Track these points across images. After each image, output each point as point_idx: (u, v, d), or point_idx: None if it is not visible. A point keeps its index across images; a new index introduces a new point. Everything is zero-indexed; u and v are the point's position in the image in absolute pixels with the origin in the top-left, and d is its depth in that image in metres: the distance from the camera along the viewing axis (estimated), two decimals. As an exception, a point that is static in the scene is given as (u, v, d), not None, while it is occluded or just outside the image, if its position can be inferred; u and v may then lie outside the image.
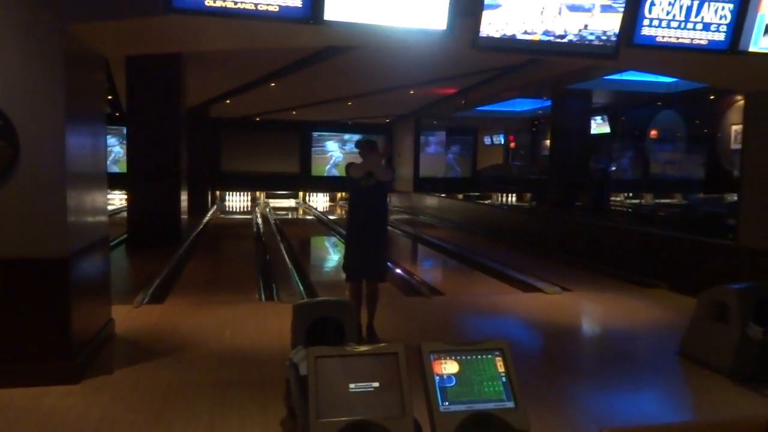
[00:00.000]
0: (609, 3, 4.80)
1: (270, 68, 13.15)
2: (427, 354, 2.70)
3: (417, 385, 2.67)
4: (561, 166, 15.14)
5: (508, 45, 4.83)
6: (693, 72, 6.92)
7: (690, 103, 18.03)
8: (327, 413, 2.57)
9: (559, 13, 4.75)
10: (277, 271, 9.39)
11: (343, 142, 25.96)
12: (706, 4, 4.98)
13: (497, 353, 2.78)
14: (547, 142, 20.64)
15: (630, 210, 18.16)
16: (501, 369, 2.74)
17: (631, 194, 22.91)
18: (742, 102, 8.99)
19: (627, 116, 21.50)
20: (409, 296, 7.85)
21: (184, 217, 12.65)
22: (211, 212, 19.43)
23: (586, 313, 7.54)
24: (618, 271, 9.15)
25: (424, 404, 2.64)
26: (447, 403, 2.61)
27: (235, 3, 4.18)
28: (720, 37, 5.09)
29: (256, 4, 4.21)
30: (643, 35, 4.96)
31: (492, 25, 4.68)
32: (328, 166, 25.92)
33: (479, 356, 2.75)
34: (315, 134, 25.77)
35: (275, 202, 25.05)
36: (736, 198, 8.56)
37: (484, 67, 12.70)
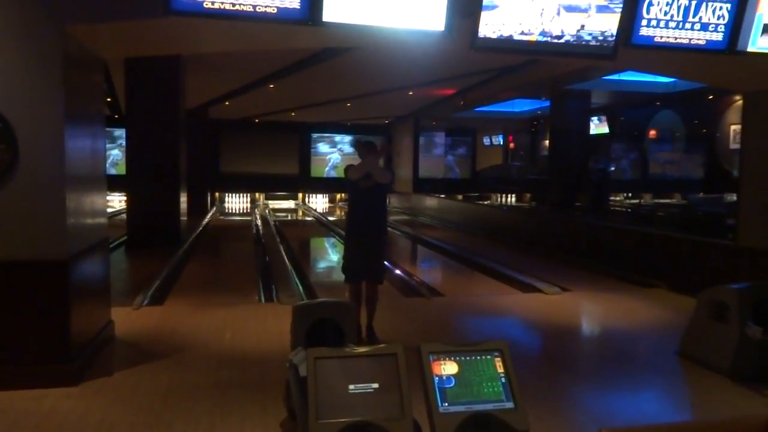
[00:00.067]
0: (605, 3, 4.80)
1: (269, 70, 13.16)
2: (426, 355, 2.70)
3: (416, 386, 2.68)
4: (560, 167, 15.15)
5: (506, 46, 4.84)
6: (691, 72, 6.92)
7: (689, 103, 18.05)
8: (326, 414, 2.58)
9: (558, 14, 4.76)
10: (276, 273, 9.38)
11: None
12: (704, 4, 4.98)
13: (496, 354, 2.78)
14: (546, 142, 20.67)
15: (629, 210, 18.17)
16: (500, 369, 2.74)
17: (630, 194, 22.93)
18: (740, 102, 8.99)
19: (626, 116, 21.52)
20: (409, 297, 7.85)
21: (184, 218, 12.64)
22: (210, 214, 19.43)
23: (585, 314, 7.55)
24: (617, 271, 9.16)
25: (424, 405, 2.64)
26: (446, 404, 2.62)
27: (234, 5, 4.18)
28: (718, 37, 5.10)
29: (254, 6, 4.21)
30: (642, 35, 4.97)
31: (490, 26, 4.69)
32: (328, 168, 25.93)
33: (478, 357, 2.75)
34: (314, 135, 25.78)
35: (274, 204, 25.04)
36: (735, 198, 8.57)
37: (482, 67, 12.71)
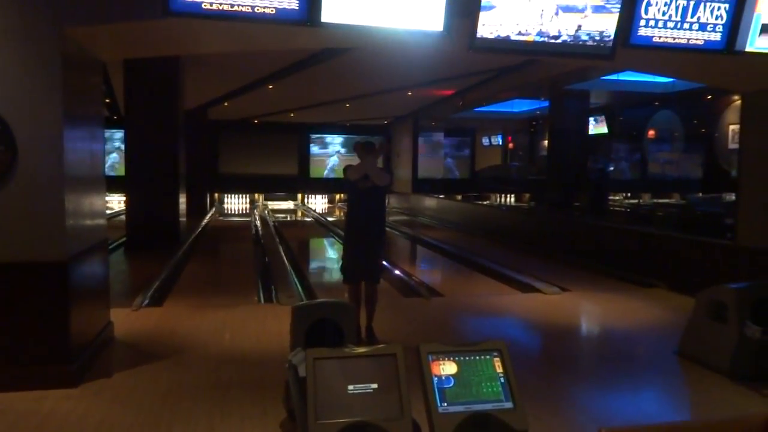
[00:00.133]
0: (602, 4, 4.81)
1: (268, 70, 13.17)
2: (425, 355, 2.70)
3: (416, 386, 2.68)
4: (559, 167, 15.16)
5: (504, 46, 4.84)
6: (690, 72, 6.93)
7: (687, 103, 18.06)
8: (326, 415, 2.58)
9: (556, 15, 4.76)
10: (276, 273, 9.39)
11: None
12: (702, 5, 4.99)
13: (495, 354, 2.78)
14: (545, 142, 20.68)
15: (628, 210, 18.20)
16: (499, 369, 2.75)
17: (629, 194, 22.95)
18: (739, 102, 9.00)
19: (625, 116, 21.53)
20: (408, 297, 7.85)
21: (183, 219, 12.64)
22: (209, 215, 19.43)
23: (584, 313, 7.55)
24: (617, 271, 9.16)
25: (423, 405, 2.64)
26: (445, 404, 2.62)
27: (232, 5, 4.19)
28: (716, 37, 5.10)
29: (252, 7, 4.21)
30: (640, 36, 4.97)
31: (488, 26, 4.69)
32: (326, 171, 25.94)
33: (477, 357, 2.75)
34: (313, 136, 25.81)
35: (274, 204, 25.04)
36: (733, 197, 8.58)
37: (481, 68, 12.72)
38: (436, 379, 2.66)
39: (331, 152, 26.02)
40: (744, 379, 4.66)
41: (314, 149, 26.02)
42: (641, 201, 21.82)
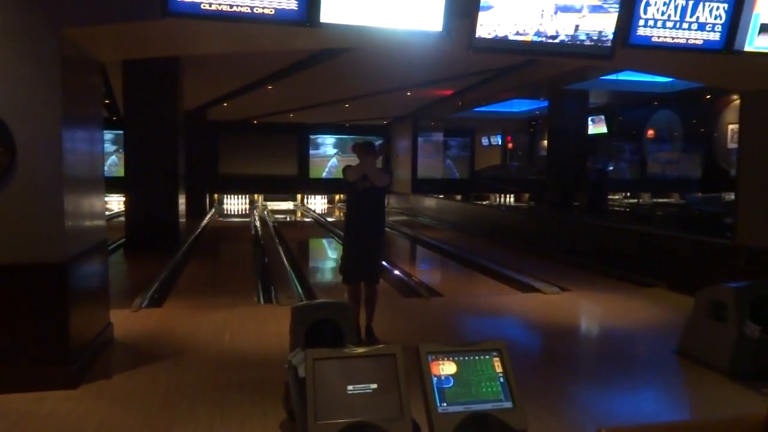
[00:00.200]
0: (599, 3, 4.81)
1: (267, 71, 13.16)
2: (424, 355, 2.70)
3: (415, 387, 2.68)
4: (558, 167, 15.17)
5: (503, 46, 4.84)
6: (689, 72, 6.93)
7: (687, 103, 18.09)
8: (325, 415, 2.58)
9: (554, 14, 4.77)
10: (275, 274, 9.39)
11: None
12: (701, 4, 4.99)
13: (495, 354, 2.78)
14: (545, 142, 20.69)
15: (628, 209, 18.21)
16: (499, 369, 2.75)
17: (628, 194, 22.98)
18: (738, 101, 9.00)
19: (624, 116, 21.55)
20: (408, 297, 7.85)
21: (182, 220, 12.64)
22: (209, 215, 19.42)
23: (584, 313, 7.55)
24: (616, 271, 9.16)
25: (423, 405, 2.64)
26: (445, 404, 2.62)
27: (231, 6, 4.19)
28: (715, 36, 5.11)
29: (251, 7, 4.21)
30: (639, 35, 4.97)
31: (486, 26, 4.70)
32: (325, 172, 25.95)
33: (477, 357, 2.76)
34: (311, 137, 25.83)
35: (273, 205, 25.04)
36: (733, 197, 8.58)
37: (481, 68, 12.72)
38: (435, 379, 2.67)
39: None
40: (743, 378, 4.65)
41: (312, 151, 26.04)
42: (641, 200, 21.84)
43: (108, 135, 20.80)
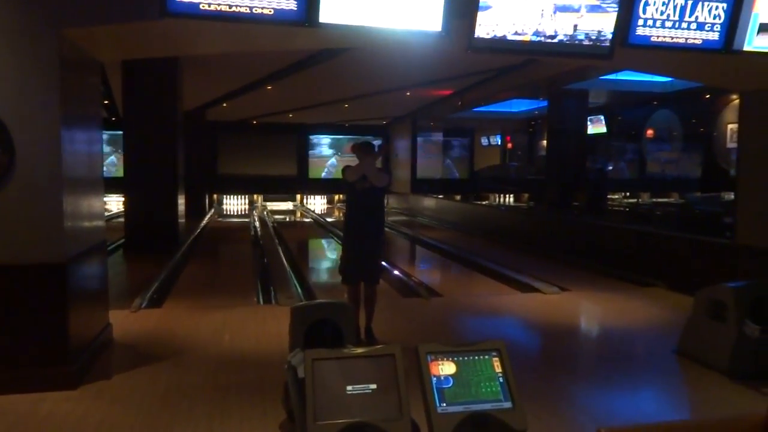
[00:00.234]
0: (597, 3, 4.81)
1: (266, 71, 13.16)
2: (424, 355, 2.70)
3: (414, 387, 2.68)
4: (558, 166, 15.17)
5: (501, 46, 4.85)
6: (688, 71, 6.93)
7: (686, 103, 18.09)
8: (325, 416, 2.58)
9: (552, 14, 4.77)
10: (275, 274, 9.38)
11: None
12: (700, 4, 5.00)
13: (494, 354, 2.78)
14: (544, 142, 20.70)
15: (627, 209, 18.21)
16: (498, 369, 2.75)
17: (628, 193, 22.98)
18: (737, 101, 9.01)
19: (623, 116, 21.56)
20: (408, 298, 7.85)
21: (182, 221, 12.63)
22: (208, 216, 19.41)
23: (584, 313, 7.55)
24: (616, 271, 9.16)
25: (422, 405, 2.64)
26: (444, 404, 2.62)
27: (230, 6, 4.19)
28: (714, 36, 5.11)
29: (250, 8, 4.21)
30: (638, 35, 4.98)
31: (484, 26, 4.70)
32: (324, 172, 25.94)
33: (476, 357, 2.75)
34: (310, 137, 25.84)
35: (273, 205, 25.03)
36: (732, 196, 8.58)
37: (480, 68, 12.72)
38: (434, 379, 2.66)
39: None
40: (743, 378, 4.66)
41: (311, 151, 26.05)
42: (640, 200, 21.85)
43: (103, 136, 20.80)
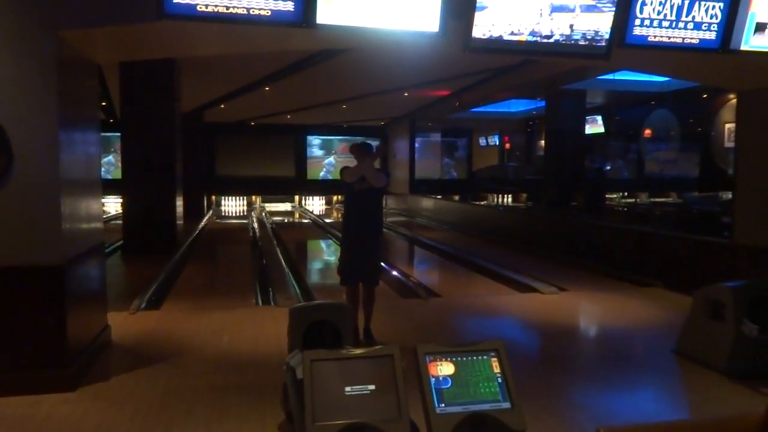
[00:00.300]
0: (593, 3, 4.82)
1: (264, 72, 13.16)
2: (422, 356, 2.70)
3: (413, 387, 2.67)
4: (556, 167, 15.17)
5: (498, 46, 4.85)
6: (685, 71, 6.94)
7: (683, 102, 18.10)
8: (323, 416, 2.58)
9: (548, 14, 4.78)
10: (273, 275, 9.38)
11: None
12: (697, 4, 5.01)
13: (492, 354, 2.78)
14: (542, 142, 20.71)
15: (625, 209, 18.22)
16: (496, 370, 2.75)
17: (626, 193, 22.99)
18: (735, 100, 9.02)
19: (621, 116, 21.56)
20: (406, 298, 7.85)
21: (180, 222, 12.62)
22: (206, 217, 19.40)
23: (582, 313, 7.56)
24: (614, 271, 9.17)
25: (420, 406, 2.64)
26: (443, 405, 2.62)
27: (227, 8, 4.19)
28: (711, 36, 5.12)
29: (248, 9, 4.21)
30: (635, 35, 4.99)
31: (481, 26, 4.70)
32: (322, 173, 25.93)
33: (474, 357, 2.75)
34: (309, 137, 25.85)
35: (271, 206, 25.02)
36: (730, 196, 8.59)
37: (477, 68, 12.72)
38: (433, 379, 2.66)
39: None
40: (741, 378, 4.66)
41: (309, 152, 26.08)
42: (638, 200, 21.86)
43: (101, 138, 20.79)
